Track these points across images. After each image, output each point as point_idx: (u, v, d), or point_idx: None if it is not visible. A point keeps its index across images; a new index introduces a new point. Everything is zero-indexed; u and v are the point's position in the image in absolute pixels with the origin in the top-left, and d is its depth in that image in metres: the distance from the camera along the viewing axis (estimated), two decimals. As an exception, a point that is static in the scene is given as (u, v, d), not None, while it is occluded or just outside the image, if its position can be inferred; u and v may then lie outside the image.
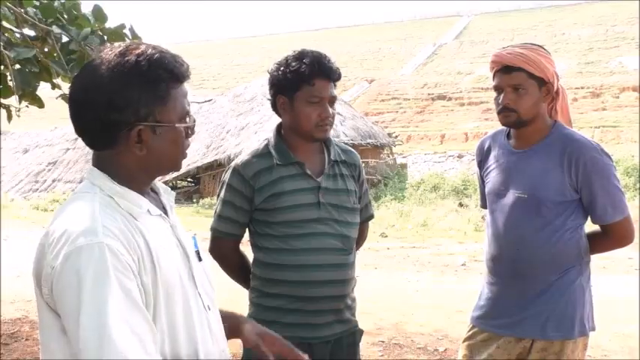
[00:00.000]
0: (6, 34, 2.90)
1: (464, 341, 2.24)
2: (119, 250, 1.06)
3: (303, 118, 1.92)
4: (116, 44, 1.19)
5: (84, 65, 1.19)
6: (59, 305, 1.05)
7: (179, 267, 1.21)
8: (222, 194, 2.02)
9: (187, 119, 1.22)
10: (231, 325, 1.40)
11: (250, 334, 1.42)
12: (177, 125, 1.19)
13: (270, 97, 2.02)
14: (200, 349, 1.21)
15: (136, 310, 1.05)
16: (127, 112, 1.13)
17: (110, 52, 1.16)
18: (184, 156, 1.26)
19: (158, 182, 1.32)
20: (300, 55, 1.92)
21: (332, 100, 1.94)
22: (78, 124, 1.18)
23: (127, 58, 1.14)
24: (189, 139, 1.25)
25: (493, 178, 2.19)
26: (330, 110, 1.93)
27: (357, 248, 2.13)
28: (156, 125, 1.16)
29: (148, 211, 1.20)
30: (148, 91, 1.14)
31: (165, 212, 1.28)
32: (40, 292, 1.09)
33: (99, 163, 1.20)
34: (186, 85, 1.23)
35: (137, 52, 1.15)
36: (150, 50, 1.16)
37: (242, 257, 2.10)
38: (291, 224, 1.92)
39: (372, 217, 2.23)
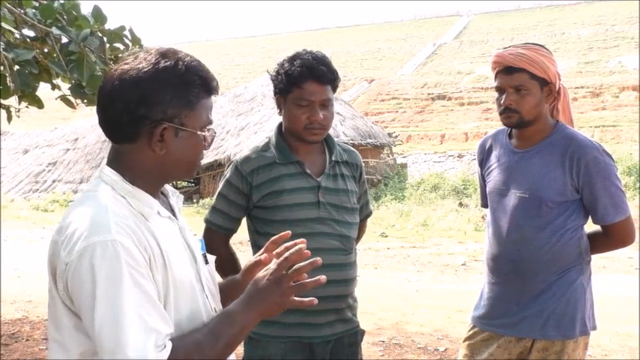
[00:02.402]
0: (4, 35, 2.90)
1: (464, 341, 2.24)
2: (131, 247, 1.07)
3: (292, 120, 1.94)
4: (155, 47, 1.23)
5: (120, 62, 1.22)
6: (75, 301, 1.08)
7: (187, 269, 1.23)
8: (219, 188, 2.04)
9: (207, 130, 1.25)
10: (232, 288, 1.41)
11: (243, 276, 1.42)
12: (199, 132, 1.22)
13: (274, 97, 2.05)
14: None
15: (150, 305, 1.06)
16: (157, 109, 1.16)
17: (149, 53, 1.20)
18: (198, 165, 1.29)
19: (166, 184, 1.34)
20: (294, 58, 1.94)
21: (324, 102, 1.93)
22: (105, 115, 1.20)
23: (166, 59, 1.18)
24: (205, 150, 1.28)
25: (494, 177, 2.19)
26: (322, 113, 1.92)
27: (356, 243, 2.14)
28: (179, 128, 1.19)
29: (158, 212, 1.22)
30: (180, 94, 1.18)
31: (174, 214, 1.30)
32: (55, 288, 1.11)
33: (114, 160, 1.22)
34: (213, 100, 1.28)
35: (177, 56, 1.20)
36: (188, 57, 1.21)
37: (231, 253, 2.08)
38: (291, 223, 1.92)
39: (370, 214, 2.25)
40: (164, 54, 1.19)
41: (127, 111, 1.16)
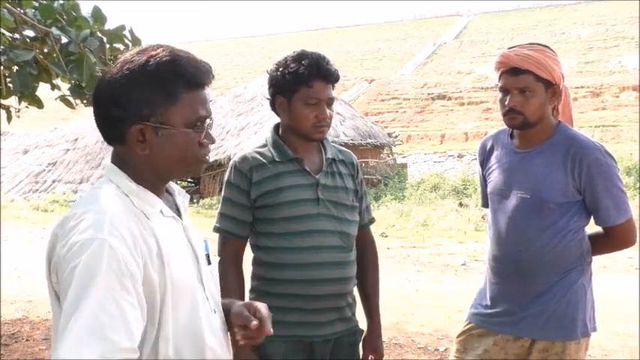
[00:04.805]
0: (6, 35, 2.90)
1: (458, 336, 2.23)
2: (120, 250, 1.05)
3: (300, 119, 1.93)
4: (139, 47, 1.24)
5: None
6: (60, 294, 1.08)
7: (189, 269, 1.22)
8: (223, 193, 2.03)
9: (200, 126, 1.21)
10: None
11: (236, 310, 1.36)
12: (183, 130, 1.19)
13: (268, 97, 2.03)
14: (207, 350, 1.22)
15: (116, 313, 1.02)
16: (129, 109, 1.16)
17: (128, 53, 1.20)
18: (200, 161, 1.24)
19: (173, 184, 1.34)
20: (299, 57, 1.93)
21: (330, 101, 1.95)
22: (95, 119, 1.22)
23: (138, 57, 1.17)
24: (208, 146, 1.24)
25: (495, 177, 2.18)
26: (328, 112, 1.94)
27: (372, 264, 2.15)
28: (159, 127, 1.17)
29: (161, 211, 1.21)
30: (152, 92, 1.16)
31: (179, 214, 1.29)
32: (50, 280, 1.12)
33: (115, 159, 1.23)
34: (206, 92, 1.24)
35: (150, 53, 1.18)
36: (163, 53, 1.18)
37: (239, 272, 2.01)
38: (291, 220, 1.92)
39: (372, 220, 2.21)
40: (140, 52, 1.19)
41: (105, 114, 1.17)
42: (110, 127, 1.19)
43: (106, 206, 1.12)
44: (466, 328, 2.22)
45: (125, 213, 1.13)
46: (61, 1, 3.15)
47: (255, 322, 1.26)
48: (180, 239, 1.24)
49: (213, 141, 1.25)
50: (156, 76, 1.16)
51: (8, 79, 3.07)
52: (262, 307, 1.31)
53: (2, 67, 3.03)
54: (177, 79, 1.18)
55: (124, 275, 1.05)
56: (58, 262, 1.07)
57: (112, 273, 1.03)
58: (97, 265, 1.03)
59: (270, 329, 1.27)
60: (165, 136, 1.18)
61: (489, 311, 2.15)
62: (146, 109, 1.16)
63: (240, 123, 20.86)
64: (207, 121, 1.23)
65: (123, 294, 1.04)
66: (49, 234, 1.15)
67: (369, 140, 20.29)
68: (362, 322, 2.12)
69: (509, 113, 2.04)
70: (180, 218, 1.29)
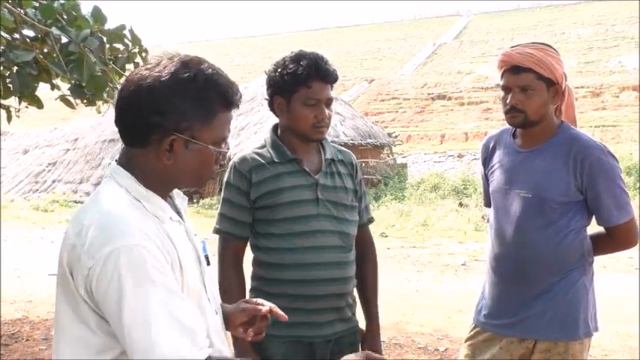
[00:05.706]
0: (6, 36, 2.90)
1: (466, 341, 2.23)
2: (155, 251, 1.08)
3: (299, 120, 1.93)
4: (180, 54, 1.22)
5: (141, 66, 1.22)
6: (101, 306, 1.08)
7: (194, 271, 1.24)
8: (222, 194, 2.03)
9: (222, 145, 1.25)
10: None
11: (236, 308, 1.43)
12: (210, 147, 1.21)
13: (267, 97, 2.03)
14: (215, 351, 1.23)
15: (180, 303, 1.07)
16: (169, 119, 1.16)
17: (172, 61, 1.19)
18: (210, 177, 1.29)
19: None
20: (298, 57, 1.92)
21: (328, 101, 1.95)
22: (120, 118, 1.21)
23: (187, 70, 1.17)
24: (219, 164, 1.28)
25: (497, 177, 2.18)
26: (327, 112, 1.94)
27: (371, 265, 2.14)
28: (190, 140, 1.19)
29: (170, 217, 1.23)
30: (196, 107, 1.18)
31: (179, 216, 1.30)
32: (77, 291, 1.10)
33: (127, 162, 1.22)
34: (233, 113, 1.26)
35: (198, 67, 1.19)
36: (209, 70, 1.20)
37: (239, 272, 2.02)
38: (291, 220, 1.93)
39: (371, 220, 2.21)
40: (186, 64, 1.18)
41: (141, 117, 1.16)
42: (140, 131, 1.18)
43: (125, 211, 1.12)
44: (472, 333, 2.21)
45: (143, 218, 1.14)
46: (61, 1, 3.15)
47: (265, 309, 1.36)
48: (186, 242, 1.26)
49: (224, 159, 1.29)
50: (202, 92, 1.18)
51: (8, 80, 3.07)
52: (261, 300, 1.42)
53: (2, 68, 3.03)
54: (218, 98, 1.20)
55: (167, 270, 1.10)
56: (90, 276, 1.06)
57: (158, 272, 1.07)
58: (143, 270, 1.05)
59: (283, 314, 1.37)
60: (193, 151, 1.20)
61: (492, 313, 2.15)
62: (185, 122, 1.17)
63: (240, 123, 20.87)
64: (228, 142, 1.27)
65: (173, 284, 1.09)
66: (65, 245, 1.14)
67: (369, 140, 20.29)
68: (362, 322, 2.12)
69: (510, 111, 2.03)
70: (183, 221, 1.30)
